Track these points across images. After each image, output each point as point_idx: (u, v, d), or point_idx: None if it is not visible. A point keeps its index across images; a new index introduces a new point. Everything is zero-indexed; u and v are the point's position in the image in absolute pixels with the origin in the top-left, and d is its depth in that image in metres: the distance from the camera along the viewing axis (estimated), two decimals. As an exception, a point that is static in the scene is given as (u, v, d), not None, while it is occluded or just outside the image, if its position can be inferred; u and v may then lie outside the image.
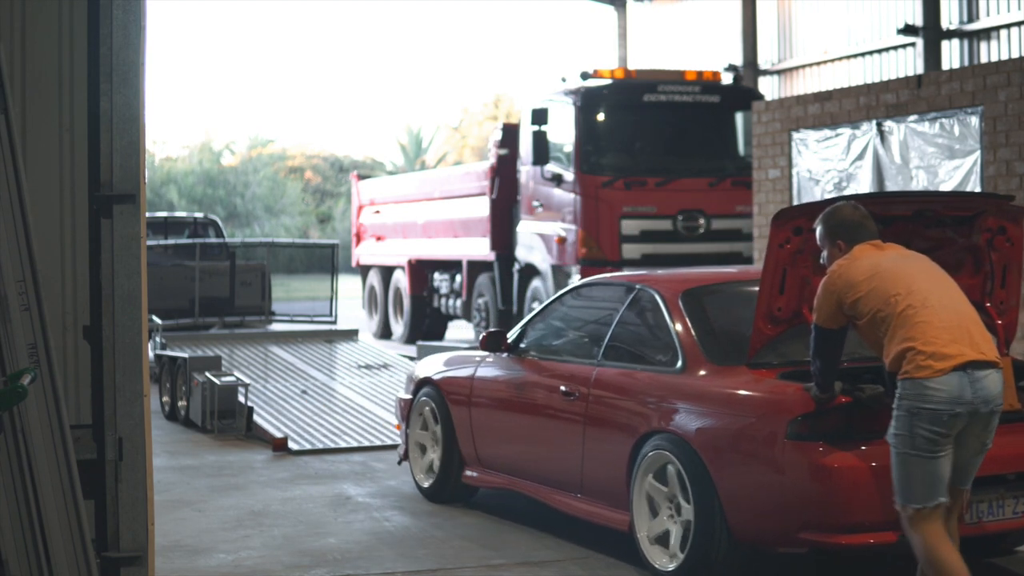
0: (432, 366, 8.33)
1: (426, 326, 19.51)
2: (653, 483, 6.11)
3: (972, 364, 4.90)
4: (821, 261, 5.41)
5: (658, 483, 6.10)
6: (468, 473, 7.82)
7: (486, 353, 7.76)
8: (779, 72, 20.88)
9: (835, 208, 5.34)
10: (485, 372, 7.72)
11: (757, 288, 6.11)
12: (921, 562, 5.00)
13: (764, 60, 21.12)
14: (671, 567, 5.98)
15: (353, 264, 22.29)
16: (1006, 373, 5.29)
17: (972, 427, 4.95)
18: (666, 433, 6.06)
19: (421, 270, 19.46)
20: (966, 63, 17.17)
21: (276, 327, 15.73)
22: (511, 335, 7.64)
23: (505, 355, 7.59)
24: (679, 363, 6.23)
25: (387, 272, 20.74)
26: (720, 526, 5.76)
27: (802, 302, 5.79)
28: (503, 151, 16.72)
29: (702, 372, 6.10)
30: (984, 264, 6.00)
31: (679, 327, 6.35)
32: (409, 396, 8.42)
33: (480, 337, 7.67)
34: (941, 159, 11.19)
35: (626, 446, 6.30)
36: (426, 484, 8.10)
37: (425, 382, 8.25)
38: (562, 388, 6.90)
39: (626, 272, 7.64)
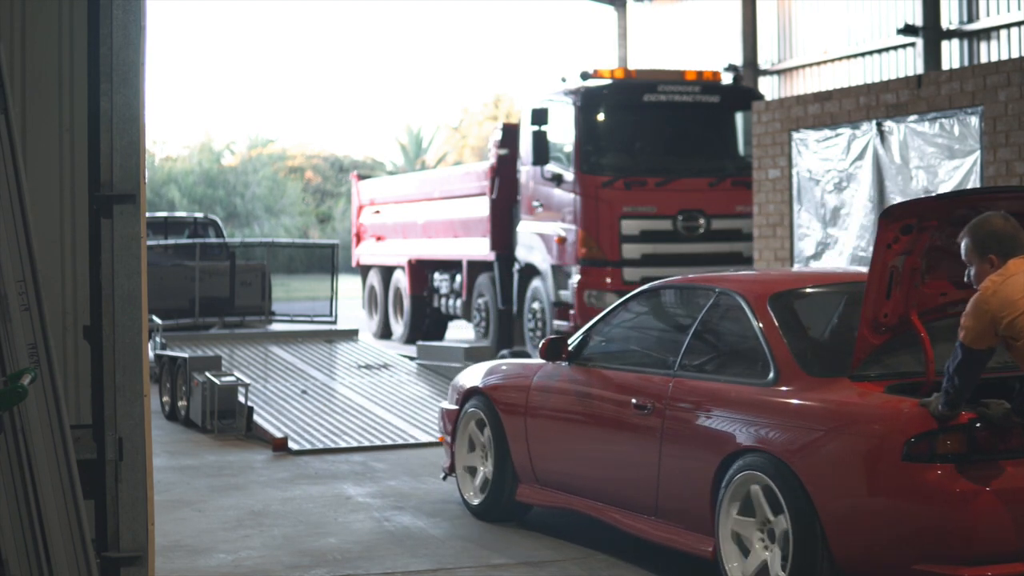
0: (481, 375, 7.77)
1: (426, 326, 19.51)
2: (740, 517, 5.58)
3: None
4: (966, 279, 4.97)
5: (744, 515, 5.58)
6: (522, 491, 7.29)
7: (541, 361, 7.21)
8: (779, 72, 20.88)
9: (984, 219, 4.89)
10: (543, 382, 7.15)
11: (852, 291, 5.79)
12: None
13: (764, 60, 21.12)
14: None
15: (353, 264, 22.29)
16: None
17: None
18: (758, 452, 5.51)
19: (421, 270, 19.46)
20: (966, 63, 17.17)
21: (276, 327, 15.74)
22: (571, 342, 7.07)
23: (565, 364, 7.04)
24: (771, 374, 5.68)
25: (387, 272, 20.75)
26: (823, 556, 5.23)
27: (910, 308, 5.34)
28: (503, 151, 16.72)
29: (798, 385, 5.55)
30: None
31: (769, 335, 5.79)
32: (455, 407, 7.87)
33: (540, 345, 7.11)
34: (941, 159, 11.19)
35: (711, 465, 5.74)
36: (475, 502, 7.57)
37: (473, 392, 7.70)
38: (634, 401, 6.34)
39: (703, 274, 7.18)
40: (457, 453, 7.78)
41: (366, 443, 10.22)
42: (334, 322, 15.97)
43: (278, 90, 78.66)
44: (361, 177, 22.88)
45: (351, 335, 14.65)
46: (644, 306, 7.03)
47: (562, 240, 15.11)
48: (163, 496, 8.20)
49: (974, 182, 10.81)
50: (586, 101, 15.07)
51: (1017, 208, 5.37)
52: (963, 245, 4.95)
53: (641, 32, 24.48)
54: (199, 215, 20.05)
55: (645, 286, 7.08)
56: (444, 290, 18.79)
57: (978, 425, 4.96)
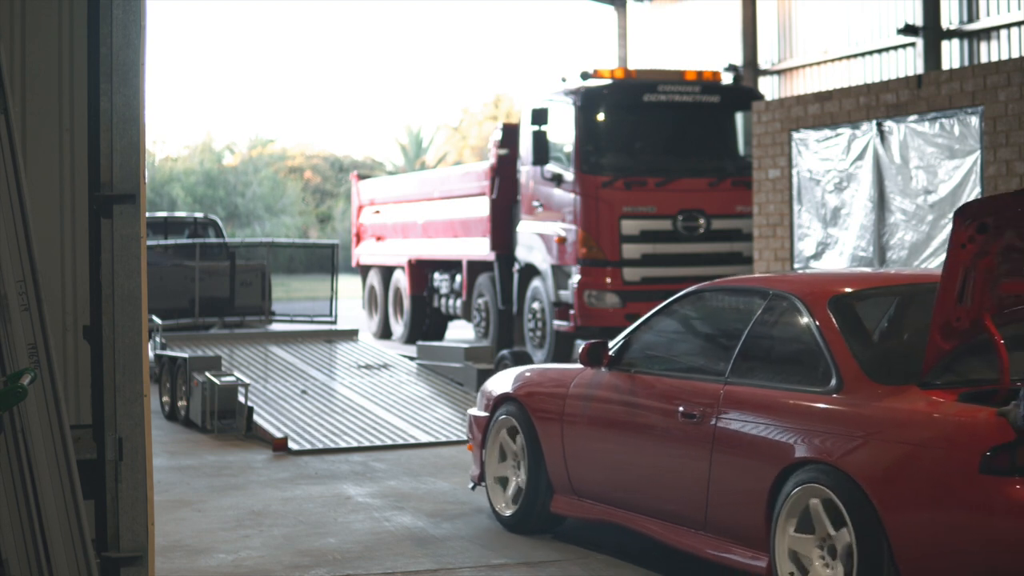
0: (512, 381, 7.46)
1: (426, 326, 19.52)
2: (798, 534, 5.34)
3: None
4: None
5: (801, 532, 5.33)
6: (558, 501, 7.02)
7: (578, 366, 6.97)
8: (779, 72, 20.88)
9: None
10: (581, 388, 6.84)
11: (914, 292, 5.63)
12: None
13: (764, 60, 21.12)
14: None
15: (353, 264, 22.30)
16: None
17: None
18: (819, 464, 5.23)
19: (421, 270, 19.46)
20: (966, 63, 17.17)
21: (276, 327, 15.74)
22: (612, 347, 6.77)
23: (604, 370, 6.74)
24: (833, 381, 5.39)
25: (387, 272, 20.75)
26: (889, 574, 4.98)
27: (984, 311, 5.06)
28: (503, 151, 16.72)
29: (864, 393, 5.25)
30: None
31: (830, 339, 5.50)
32: (484, 414, 7.57)
33: (579, 350, 6.82)
34: (941, 159, 11.19)
35: (767, 477, 5.47)
36: (507, 513, 7.27)
37: (505, 399, 7.39)
38: (681, 409, 6.03)
39: (753, 275, 6.83)
40: (487, 462, 7.49)
41: (366, 443, 10.22)
42: (334, 322, 15.97)
43: (278, 90, 78.74)
44: (361, 177, 22.88)
45: (351, 335, 14.65)
46: (690, 309, 6.70)
47: (562, 240, 15.11)
48: (163, 496, 8.20)
49: (974, 182, 10.82)
50: (586, 101, 15.07)
51: None
52: None
53: (641, 32, 24.47)
54: (199, 215, 20.05)
55: (691, 288, 6.73)
56: (444, 290, 18.79)
57: None
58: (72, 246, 4.99)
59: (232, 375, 11.13)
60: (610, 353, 6.72)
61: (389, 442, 10.25)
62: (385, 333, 20.53)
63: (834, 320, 5.58)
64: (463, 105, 67.87)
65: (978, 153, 10.82)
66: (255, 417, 10.68)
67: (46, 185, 4.95)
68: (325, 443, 10.20)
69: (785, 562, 5.38)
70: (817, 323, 5.62)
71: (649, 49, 24.07)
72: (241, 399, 10.80)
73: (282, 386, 12.14)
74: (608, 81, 15.45)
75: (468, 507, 7.89)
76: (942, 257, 11.10)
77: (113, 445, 4.96)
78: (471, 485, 7.75)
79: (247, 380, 11.30)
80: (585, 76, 15.50)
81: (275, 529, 7.41)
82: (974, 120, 10.88)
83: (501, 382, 7.59)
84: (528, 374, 7.44)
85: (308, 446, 10.11)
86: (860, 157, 12.08)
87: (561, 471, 6.95)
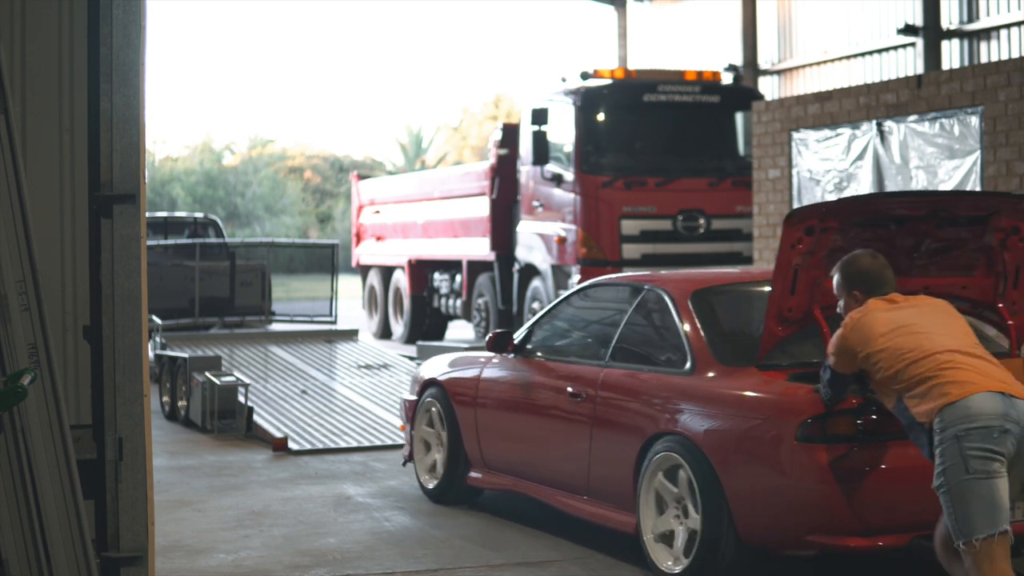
0: (437, 367, 8.26)
1: (426, 326, 19.51)
2: (663, 481, 6.05)
3: (1007, 394, 4.65)
4: (838, 310, 5.31)
5: (668, 482, 6.04)
6: (473, 475, 7.77)
7: (492, 354, 7.70)
8: (779, 72, 20.88)
9: (854, 257, 5.24)
10: (491, 373, 7.67)
11: (767, 289, 6.03)
12: None
13: (764, 60, 21.12)
14: (677, 570, 5.94)
15: (353, 264, 22.30)
16: (1021, 375, 5.12)
17: (1018, 461, 4.61)
18: (674, 435, 6.01)
19: (421, 270, 19.46)
20: (966, 63, 17.17)
21: (276, 327, 15.73)
22: (518, 336, 7.57)
23: (511, 356, 7.55)
24: (688, 364, 6.18)
25: (387, 272, 20.75)
26: (727, 528, 5.73)
27: (813, 303, 5.71)
28: (503, 151, 16.72)
29: (711, 373, 6.05)
30: (997, 264, 5.92)
31: (688, 328, 6.29)
32: (414, 397, 8.37)
33: (487, 338, 7.65)
34: (941, 159, 11.19)
35: (633, 448, 6.25)
36: (430, 485, 8.06)
37: (430, 383, 8.18)
38: (569, 389, 6.86)
39: (634, 272, 7.53)
40: (415, 440, 8.25)
41: (366, 443, 10.22)
42: (334, 322, 15.96)
43: (278, 90, 78.75)
44: (361, 177, 22.88)
45: (351, 335, 14.63)
46: (583, 302, 7.52)
47: (562, 240, 15.12)
48: (163, 496, 8.20)
49: (974, 182, 10.82)
50: (586, 101, 15.07)
51: (910, 212, 5.71)
52: (834, 279, 5.28)
53: (641, 32, 24.47)
54: (199, 215, 20.04)
55: (585, 283, 7.59)
56: (444, 290, 18.80)
57: (868, 409, 5.38)
58: (72, 246, 4.98)
59: (232, 375, 11.12)
60: (515, 341, 7.53)
61: (389, 442, 10.25)
62: (385, 333, 20.53)
63: (693, 311, 6.36)
64: (463, 105, 67.99)
65: (978, 153, 10.82)
66: (255, 417, 10.67)
67: (46, 185, 4.95)
68: (325, 443, 10.20)
69: (649, 521, 6.12)
70: (679, 313, 6.40)
71: (649, 49, 24.07)
72: (241, 399, 10.79)
73: (282, 386, 12.14)
74: (608, 81, 15.45)
75: (468, 507, 7.89)
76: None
77: (113, 445, 4.96)
78: (403, 462, 8.48)
79: (247, 380, 11.30)
80: (585, 76, 15.50)
81: (275, 529, 7.41)
82: (974, 120, 10.88)
83: (429, 368, 8.38)
84: (451, 359, 8.28)
85: (308, 446, 10.10)
86: (860, 157, 12.08)
87: (475, 447, 7.72)
